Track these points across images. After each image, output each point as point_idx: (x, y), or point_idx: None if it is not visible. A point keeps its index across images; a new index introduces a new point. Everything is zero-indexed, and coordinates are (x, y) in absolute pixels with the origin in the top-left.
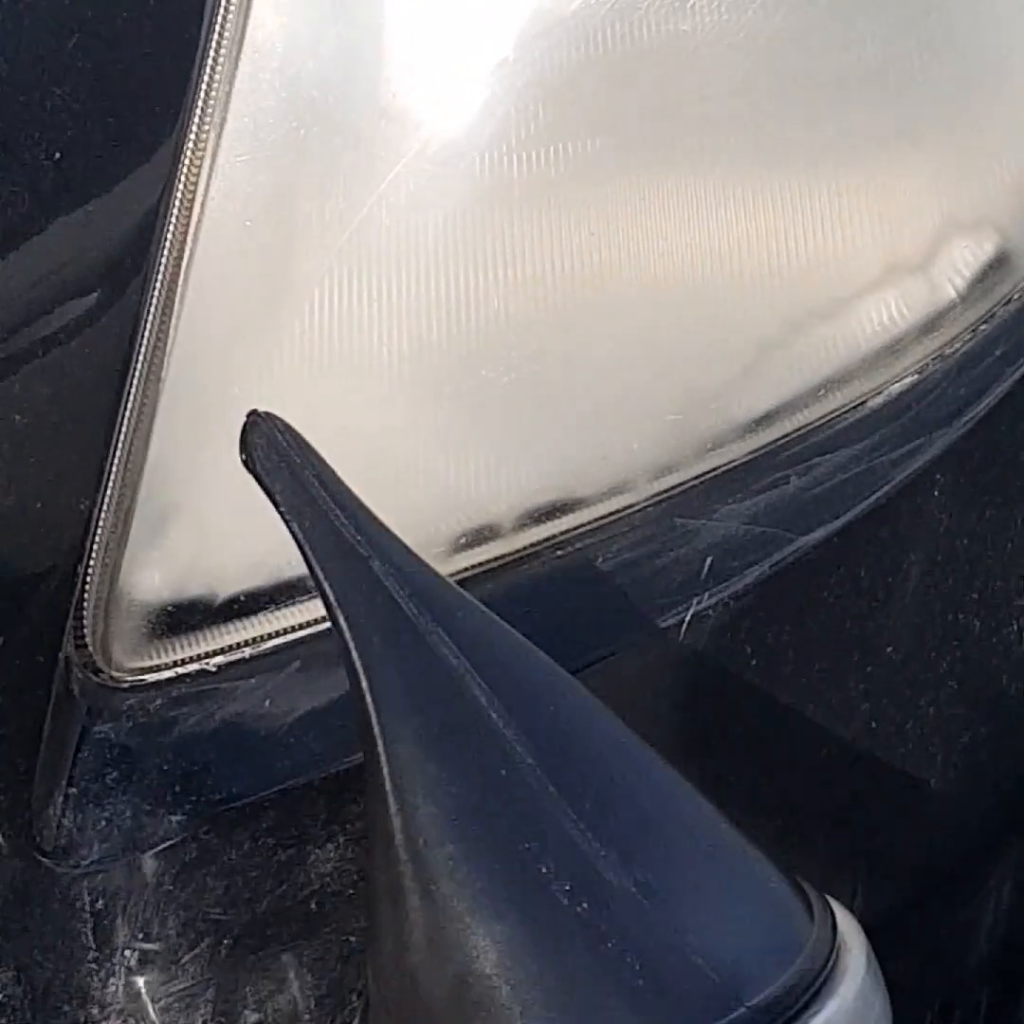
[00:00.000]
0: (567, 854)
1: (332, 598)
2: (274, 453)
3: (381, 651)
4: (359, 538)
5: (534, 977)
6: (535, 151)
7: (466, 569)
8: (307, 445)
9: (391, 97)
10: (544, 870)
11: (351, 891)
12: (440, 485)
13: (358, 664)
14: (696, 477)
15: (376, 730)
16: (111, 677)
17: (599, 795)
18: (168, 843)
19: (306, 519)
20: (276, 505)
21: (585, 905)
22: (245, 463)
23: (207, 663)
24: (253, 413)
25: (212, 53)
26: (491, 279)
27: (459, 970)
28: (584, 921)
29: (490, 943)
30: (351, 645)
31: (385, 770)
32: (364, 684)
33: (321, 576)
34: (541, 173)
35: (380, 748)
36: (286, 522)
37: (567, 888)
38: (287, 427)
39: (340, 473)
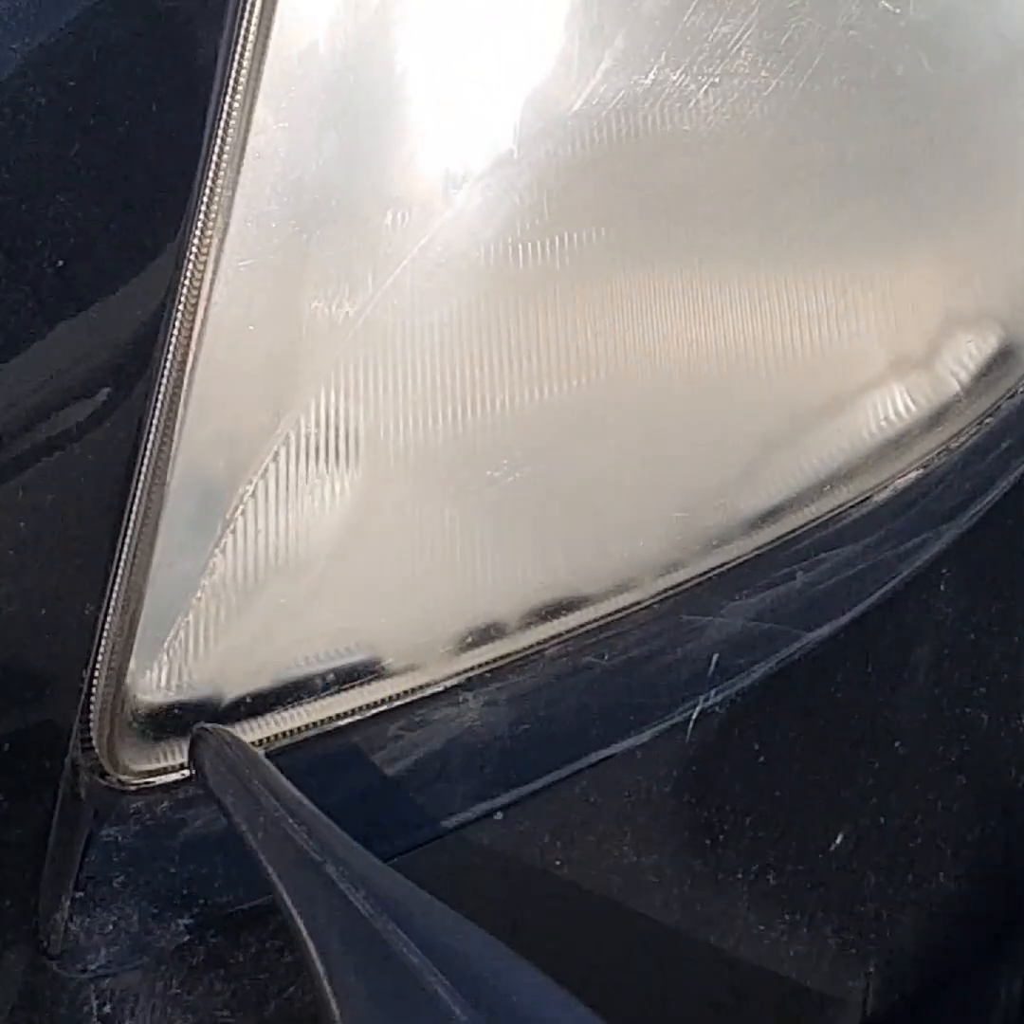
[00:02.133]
0: None
1: (290, 905)
2: (222, 766)
3: (341, 954)
4: (311, 843)
5: None
6: (539, 246)
7: (471, 668)
8: (255, 756)
9: (395, 195)
10: None
11: None
12: (445, 584)
13: (320, 968)
14: (702, 574)
15: None
16: (118, 780)
17: None
18: (175, 946)
19: (258, 829)
20: (228, 817)
21: None
22: (193, 778)
23: None
24: (201, 728)
25: (214, 159)
26: (495, 376)
27: None
28: None
29: None
30: (311, 949)
31: None
32: (326, 988)
33: (278, 884)
34: (545, 269)
35: None
36: (239, 833)
37: None
38: (233, 739)
39: (348, 569)
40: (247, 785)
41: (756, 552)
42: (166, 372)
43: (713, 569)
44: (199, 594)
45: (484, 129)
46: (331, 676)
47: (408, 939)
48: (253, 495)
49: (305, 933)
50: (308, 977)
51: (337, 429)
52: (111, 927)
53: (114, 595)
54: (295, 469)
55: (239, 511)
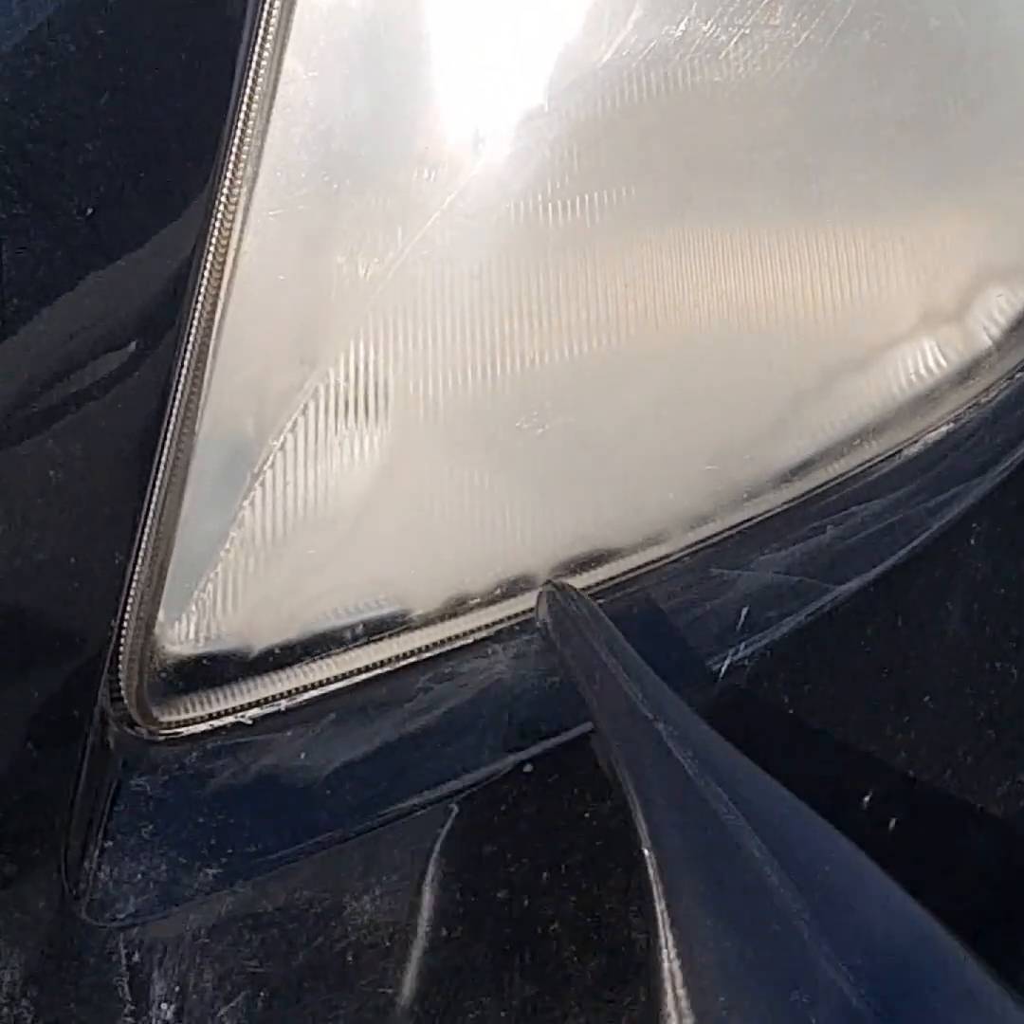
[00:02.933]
0: (836, 1007)
1: (620, 757)
2: (567, 621)
3: (664, 809)
4: (645, 702)
5: None
6: (569, 201)
7: (500, 621)
8: (598, 614)
9: (424, 149)
10: (815, 1021)
11: (387, 943)
12: (476, 536)
13: (642, 821)
14: (732, 527)
15: (657, 884)
16: (147, 730)
17: (869, 950)
18: (204, 896)
19: (596, 683)
20: (568, 670)
21: None
22: (539, 630)
23: (242, 716)
24: (548, 584)
25: (243, 109)
26: (525, 329)
27: None
28: None
29: None
30: (636, 802)
31: (665, 921)
32: (647, 840)
33: (610, 736)
34: (575, 223)
35: (661, 901)
36: (577, 685)
37: None
38: (579, 596)
39: (377, 522)
40: (588, 640)
41: (786, 505)
42: (195, 323)
43: (743, 522)
44: (228, 546)
45: (514, 82)
46: (360, 628)
47: (729, 800)
48: (282, 448)
49: (631, 786)
50: (630, 828)
51: (366, 383)
52: (139, 877)
53: (143, 546)
54: (324, 422)
55: (268, 464)
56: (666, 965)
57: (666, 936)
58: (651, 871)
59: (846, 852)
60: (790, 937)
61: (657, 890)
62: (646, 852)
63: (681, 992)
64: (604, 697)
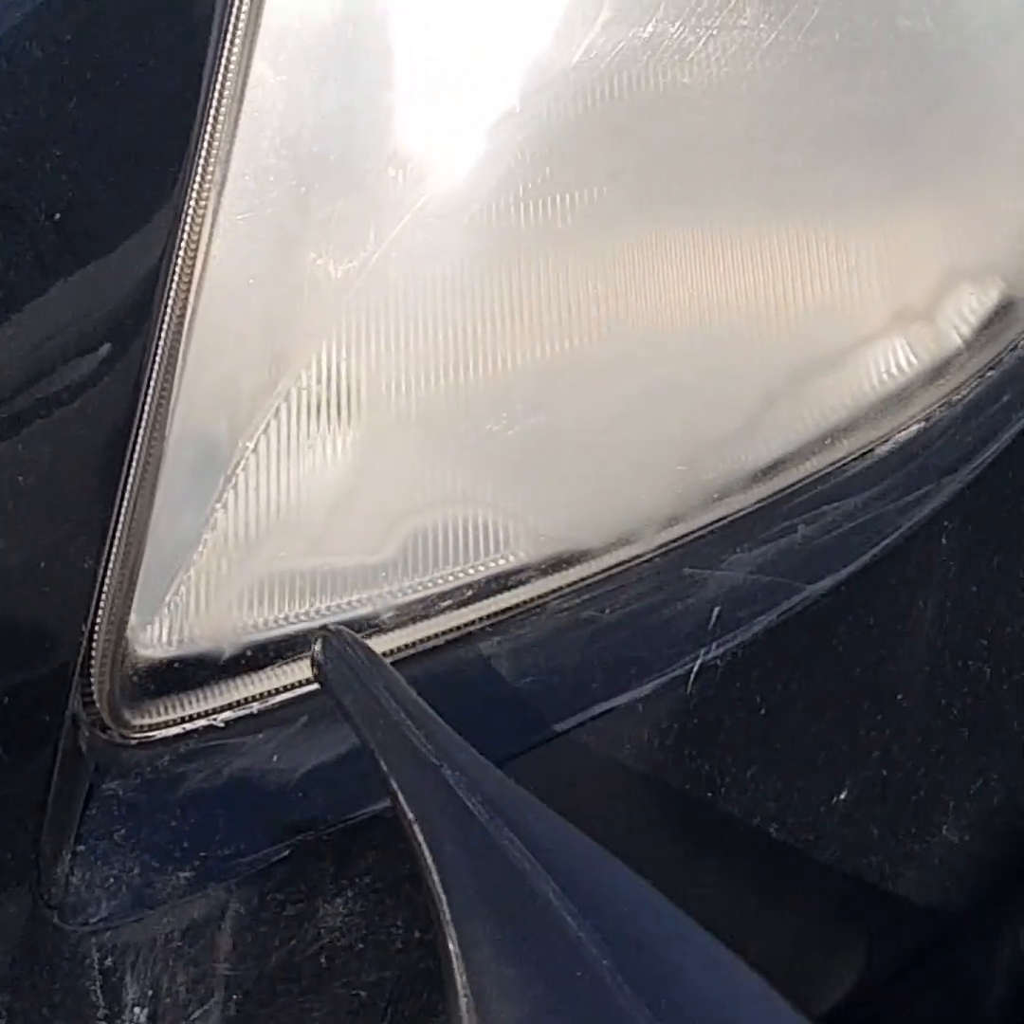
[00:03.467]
0: None
1: (404, 805)
2: (344, 667)
3: (454, 856)
4: (429, 746)
5: None
6: (540, 202)
7: (474, 622)
8: (376, 658)
9: (394, 151)
10: None
11: (360, 945)
12: (447, 537)
13: (432, 870)
14: (703, 527)
15: (451, 934)
16: (119, 734)
17: (673, 994)
18: (177, 900)
19: (378, 730)
20: (348, 717)
21: None
22: (316, 677)
23: (215, 719)
24: (323, 629)
25: (212, 113)
26: (496, 331)
27: None
28: None
29: None
30: (425, 851)
31: (461, 972)
32: (439, 889)
33: (394, 784)
34: (546, 224)
35: (456, 951)
36: (358, 733)
37: None
38: (356, 641)
39: (349, 524)
40: (369, 686)
41: (758, 505)
42: (165, 326)
43: (714, 522)
44: (200, 549)
45: (483, 84)
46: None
47: (521, 844)
48: (255, 450)
49: (419, 834)
50: (420, 878)
51: (338, 384)
52: (112, 880)
53: (114, 549)
54: (296, 424)
55: (240, 466)
56: (464, 1019)
57: (463, 988)
58: (445, 925)
59: (648, 896)
60: (594, 983)
61: (452, 943)
62: (439, 904)
63: None
64: (388, 745)
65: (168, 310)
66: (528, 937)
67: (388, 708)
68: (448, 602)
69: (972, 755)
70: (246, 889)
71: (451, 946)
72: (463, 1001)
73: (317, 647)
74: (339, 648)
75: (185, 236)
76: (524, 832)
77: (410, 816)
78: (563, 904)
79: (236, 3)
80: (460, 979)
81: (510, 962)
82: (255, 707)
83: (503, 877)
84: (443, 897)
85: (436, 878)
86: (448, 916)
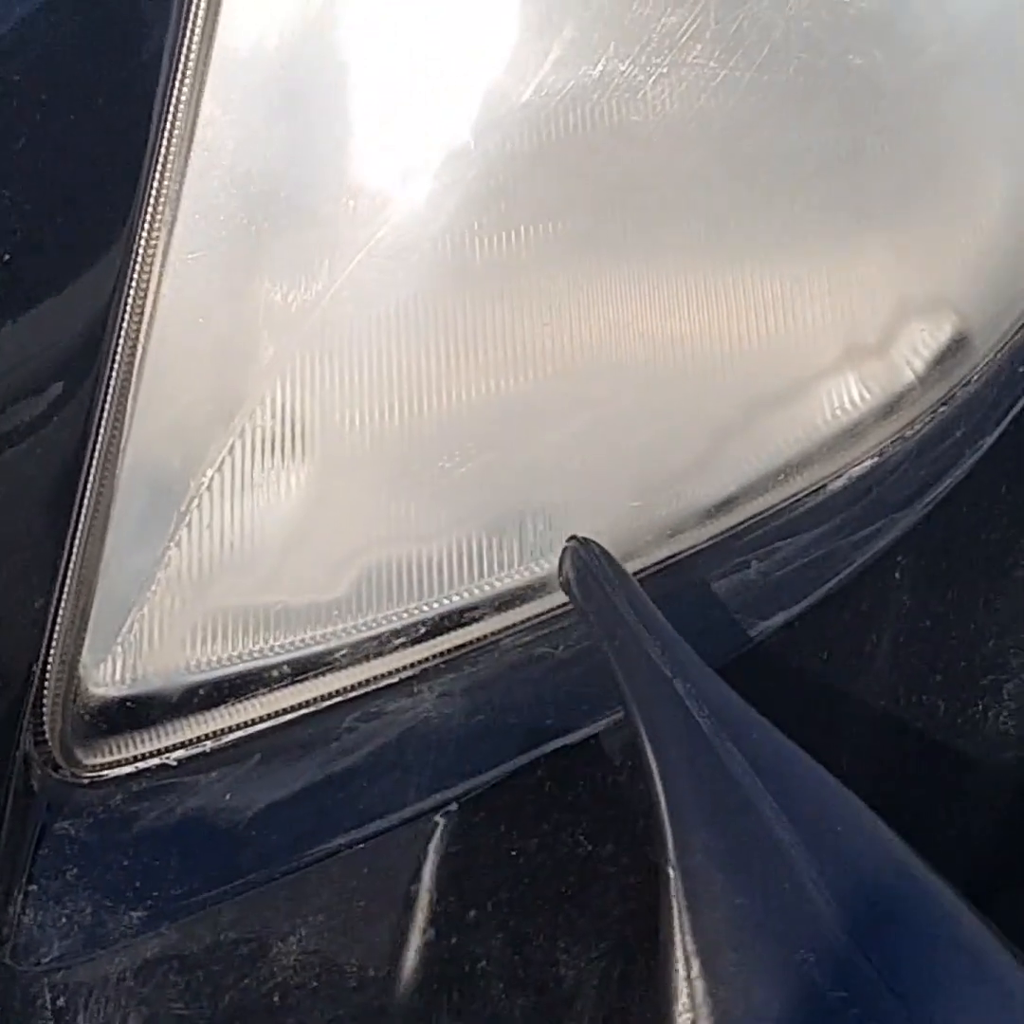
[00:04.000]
0: (842, 966)
1: (635, 713)
2: (590, 577)
3: (678, 765)
4: (665, 659)
5: None
6: (491, 238)
7: (425, 659)
8: (621, 570)
9: (344, 190)
10: (820, 979)
11: (314, 984)
12: (400, 574)
13: (656, 776)
14: (656, 564)
15: (669, 839)
16: (71, 773)
17: (877, 914)
18: (129, 939)
19: (617, 639)
20: (589, 625)
21: (856, 1012)
22: (562, 585)
23: (167, 757)
24: (572, 538)
25: (161, 152)
26: (448, 368)
27: None
28: None
29: None
30: (651, 759)
31: (675, 877)
32: (660, 796)
33: (627, 692)
34: (498, 260)
35: (672, 856)
36: (598, 640)
37: (841, 996)
38: (603, 552)
39: (302, 561)
40: (610, 597)
41: (710, 541)
42: (115, 366)
43: (667, 559)
44: (154, 587)
45: (434, 121)
46: (285, 668)
47: (744, 759)
48: (208, 488)
49: (647, 742)
50: (644, 786)
51: (291, 421)
52: (64, 920)
53: (65, 588)
54: (250, 462)
55: (194, 504)
56: (675, 920)
57: (676, 890)
58: (664, 824)
59: (858, 814)
60: (799, 897)
61: (669, 843)
62: (659, 807)
63: (690, 947)
64: (623, 654)
65: (119, 350)
66: (743, 847)
67: (628, 619)
68: (402, 639)
69: (927, 791)
70: (199, 928)
71: (669, 850)
72: (675, 904)
73: (565, 559)
74: (586, 558)
75: (135, 276)
76: (746, 746)
77: (639, 721)
78: (777, 818)
79: (185, 42)
80: (676, 883)
81: (722, 869)
82: (208, 745)
83: (722, 788)
84: (663, 801)
85: (658, 782)
86: (666, 820)
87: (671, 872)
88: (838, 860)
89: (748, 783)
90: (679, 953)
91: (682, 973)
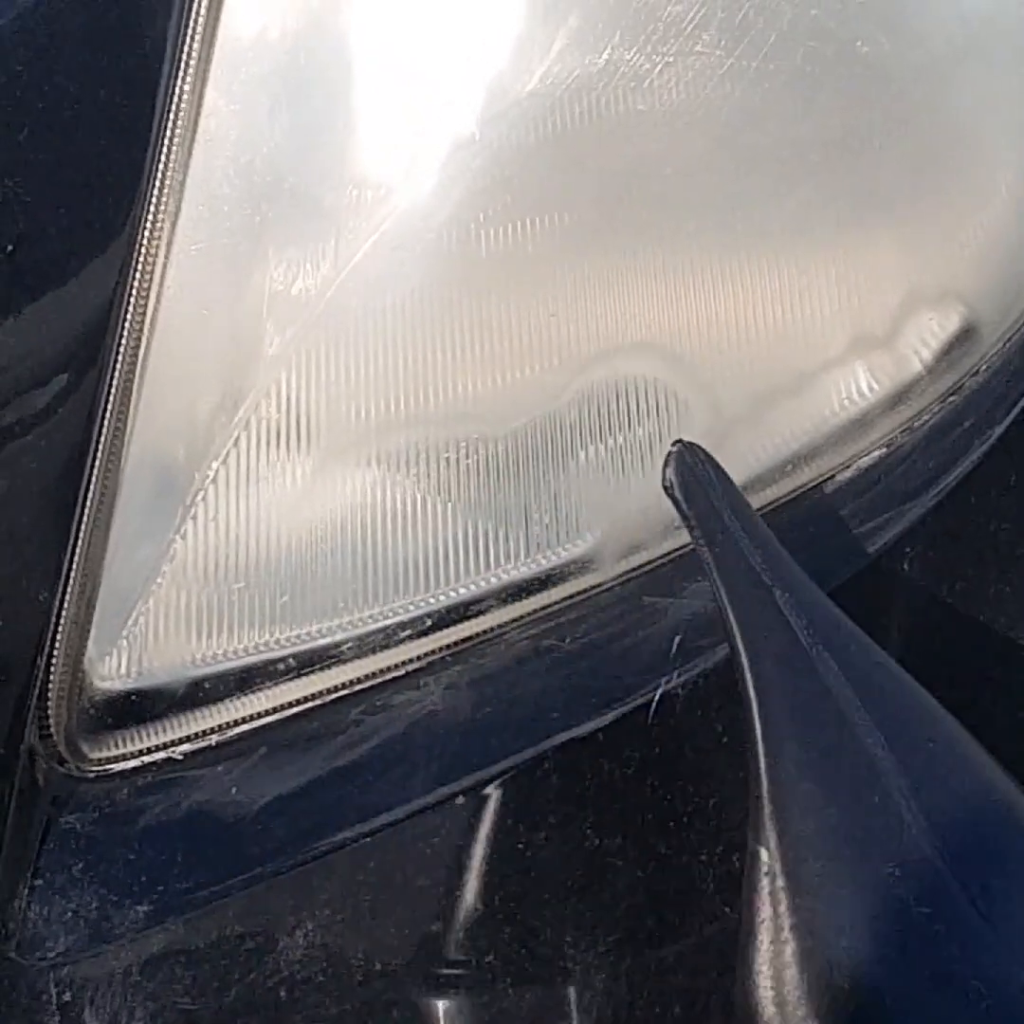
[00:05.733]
0: (928, 881)
1: (733, 621)
2: (694, 482)
3: (773, 675)
4: (765, 567)
5: (893, 988)
6: (497, 229)
7: (432, 652)
8: (726, 478)
9: (348, 181)
10: (905, 894)
11: (321, 978)
12: (406, 567)
13: (750, 684)
14: (664, 555)
15: (760, 747)
16: (77, 767)
17: (963, 830)
18: (135, 934)
19: (718, 545)
20: (690, 530)
21: (940, 929)
22: (666, 489)
23: (173, 751)
24: (678, 442)
25: (165, 143)
26: (454, 360)
27: (822, 971)
28: (938, 943)
29: (852, 958)
30: (745, 666)
31: (765, 785)
32: (754, 704)
33: (725, 599)
34: (503, 251)
35: (762, 765)
36: (698, 546)
37: (925, 912)
38: (708, 458)
39: (308, 553)
40: (712, 502)
41: None
42: (120, 358)
43: (675, 550)
44: (160, 580)
45: (439, 111)
46: (292, 661)
47: (839, 671)
48: (214, 481)
49: (741, 649)
50: (739, 691)
51: (297, 413)
52: (70, 915)
53: (70, 582)
54: (256, 454)
55: (200, 497)
56: (764, 825)
57: (764, 798)
58: (756, 733)
59: (952, 732)
60: (888, 810)
61: (760, 751)
62: (751, 717)
63: (776, 854)
64: (723, 560)
65: (123, 342)
66: (833, 758)
67: (730, 526)
68: (408, 632)
69: None
70: (205, 923)
71: (759, 758)
72: (766, 810)
73: (670, 463)
74: (690, 462)
75: (139, 267)
76: (842, 658)
77: (735, 628)
78: (869, 730)
79: (189, 33)
80: (764, 791)
81: (811, 779)
82: (214, 739)
83: (815, 699)
84: (756, 709)
85: (752, 690)
86: (758, 728)
87: (761, 779)
88: (930, 777)
89: (843, 695)
90: (764, 861)
91: (766, 883)
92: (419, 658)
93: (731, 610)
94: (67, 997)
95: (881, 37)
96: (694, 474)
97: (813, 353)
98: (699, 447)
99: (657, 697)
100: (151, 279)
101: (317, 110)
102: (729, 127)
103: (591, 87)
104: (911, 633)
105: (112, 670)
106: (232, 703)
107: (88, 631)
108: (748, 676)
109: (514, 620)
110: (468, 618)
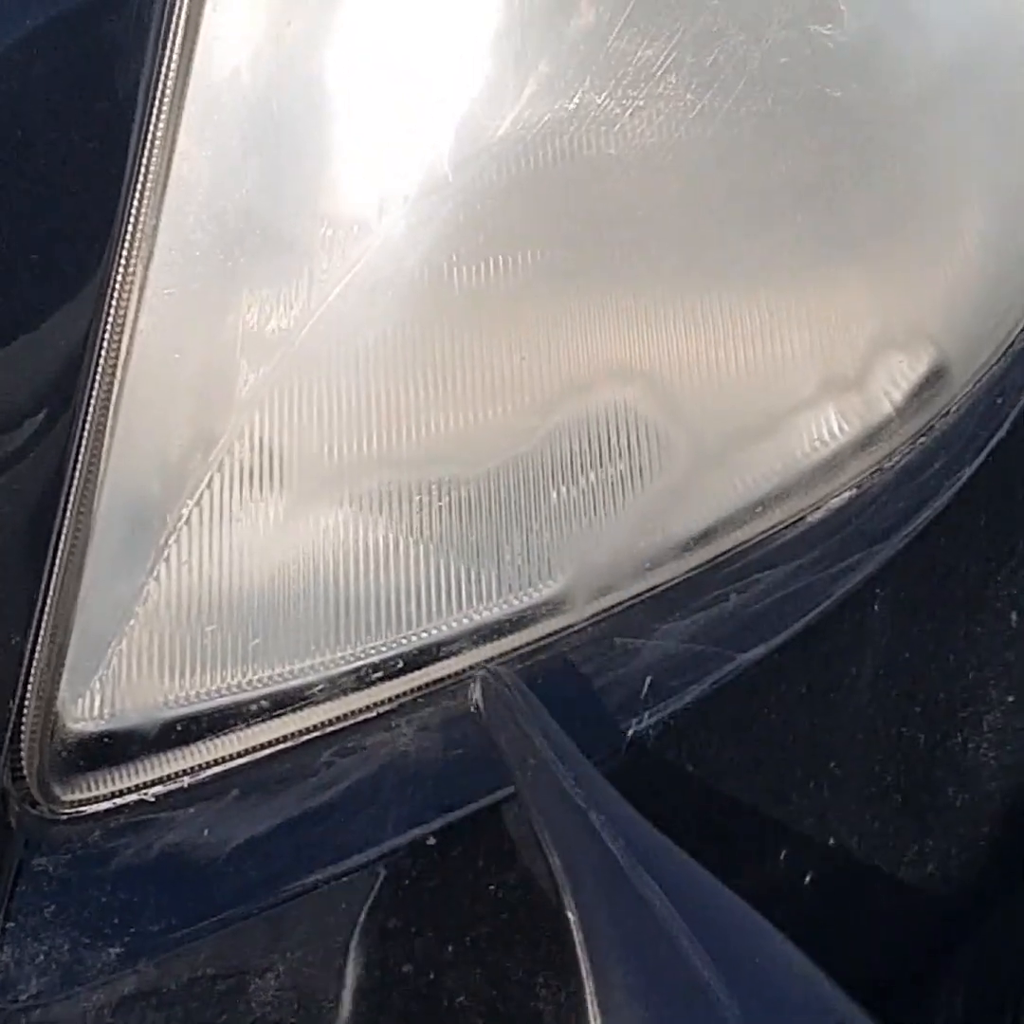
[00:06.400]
0: None
1: (550, 845)
2: (501, 707)
3: (596, 899)
4: (578, 790)
5: None
6: (468, 269)
7: (404, 693)
8: (534, 701)
9: (321, 224)
10: None
11: (292, 1020)
12: (378, 608)
13: (572, 907)
14: (635, 596)
15: (586, 970)
16: (49, 809)
17: None
18: (107, 976)
19: (530, 771)
20: (501, 755)
21: None
22: (473, 715)
23: (145, 793)
24: (483, 668)
25: (137, 187)
26: (426, 400)
27: None
28: None
29: None
30: (566, 889)
31: (594, 1010)
32: (576, 926)
33: (541, 823)
34: (475, 294)
35: (590, 988)
36: (510, 771)
37: None
38: (516, 682)
39: (281, 594)
40: (522, 727)
41: (689, 574)
42: (92, 401)
43: (646, 591)
44: (132, 621)
45: (411, 153)
46: (264, 703)
47: (660, 891)
48: (187, 522)
49: (561, 872)
50: (559, 917)
51: (270, 453)
52: (42, 957)
53: (43, 623)
54: (229, 495)
55: (173, 538)
56: None
57: None
58: (582, 964)
59: (775, 945)
60: None
61: (588, 983)
62: (577, 944)
63: None
64: (536, 785)
65: (95, 385)
66: (663, 983)
67: (540, 749)
68: (379, 673)
69: (906, 823)
70: (177, 965)
71: (586, 981)
72: None
73: (476, 687)
74: (497, 688)
75: (112, 312)
76: (663, 878)
77: (553, 852)
78: (697, 952)
79: (161, 78)
80: (594, 1014)
81: (642, 1002)
82: (186, 781)
83: (642, 922)
84: (579, 932)
85: (574, 913)
86: (583, 951)
87: (591, 1003)
88: (759, 998)
89: (666, 917)
90: None
91: None
92: (391, 699)
93: (548, 833)
94: None
95: (851, 82)
96: (502, 700)
97: (784, 394)
98: (507, 672)
99: (629, 737)
100: (124, 322)
101: (290, 153)
102: (699, 169)
103: (562, 131)
104: (882, 674)
105: (85, 712)
106: (204, 745)
107: (60, 673)
108: (569, 898)
109: (486, 661)
110: (440, 659)
